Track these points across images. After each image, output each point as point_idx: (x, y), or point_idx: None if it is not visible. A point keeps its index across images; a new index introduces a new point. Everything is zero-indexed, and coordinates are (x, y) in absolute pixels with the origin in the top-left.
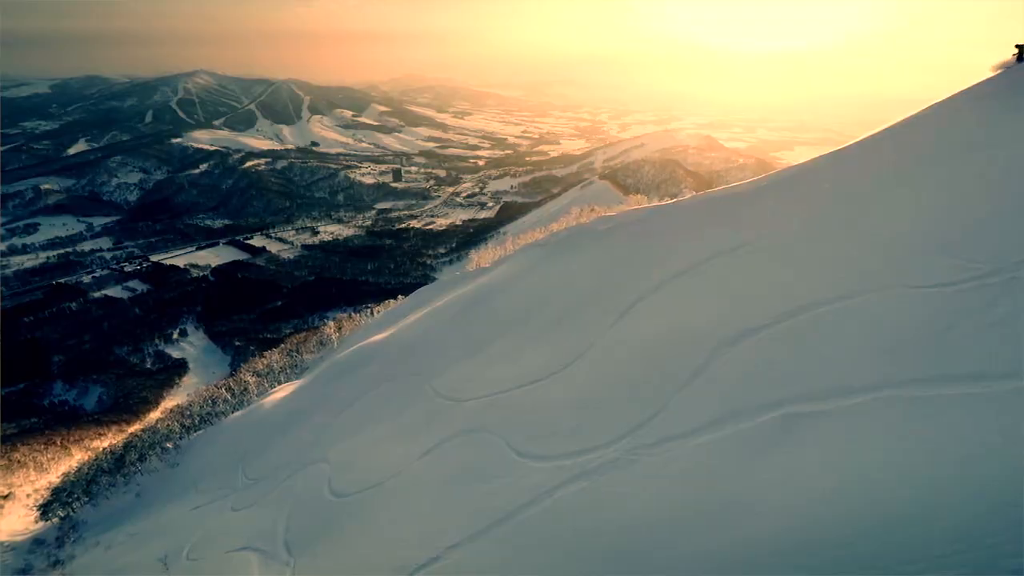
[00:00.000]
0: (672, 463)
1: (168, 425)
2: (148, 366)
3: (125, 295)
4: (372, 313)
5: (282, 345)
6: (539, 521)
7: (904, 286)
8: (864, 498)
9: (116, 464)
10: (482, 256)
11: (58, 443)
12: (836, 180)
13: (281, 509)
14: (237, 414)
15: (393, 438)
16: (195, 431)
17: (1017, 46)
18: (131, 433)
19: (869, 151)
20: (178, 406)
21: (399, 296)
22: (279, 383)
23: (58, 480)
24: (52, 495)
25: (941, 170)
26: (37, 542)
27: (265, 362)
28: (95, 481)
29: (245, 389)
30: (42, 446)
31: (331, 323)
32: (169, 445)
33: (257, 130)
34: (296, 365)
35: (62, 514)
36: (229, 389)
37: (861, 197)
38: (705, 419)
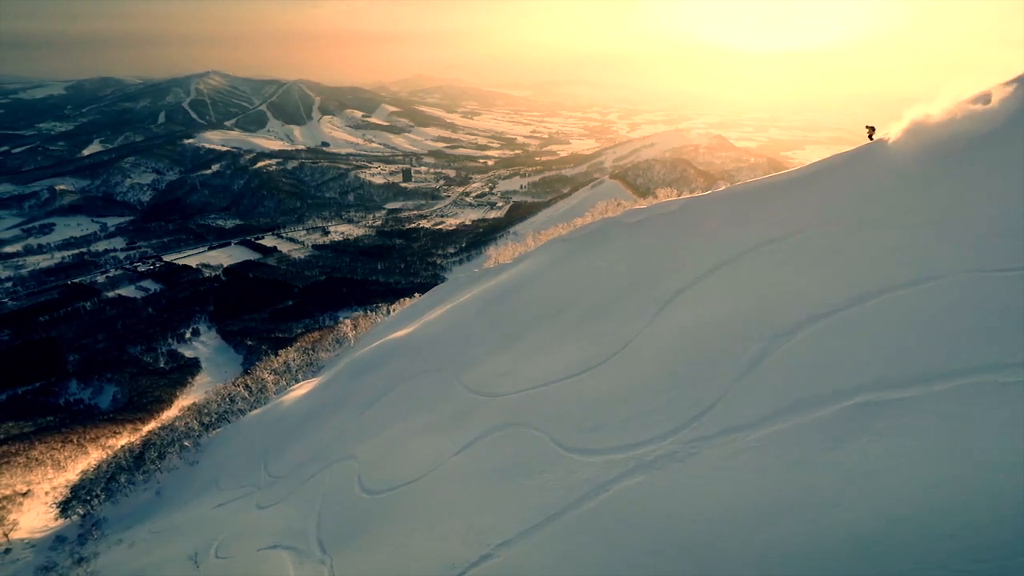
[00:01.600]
0: (738, 455)
1: (187, 423)
2: (161, 365)
3: (138, 295)
4: (388, 312)
5: (298, 343)
6: (597, 516)
7: (985, 270)
8: (961, 489)
9: (135, 462)
10: (500, 253)
11: (75, 441)
12: (885, 168)
13: (310, 507)
14: (256, 412)
15: (424, 434)
16: (213, 429)
17: (868, 127)
18: (149, 431)
19: (911, 144)
20: (195, 404)
21: (416, 294)
22: (296, 381)
23: (76, 478)
24: (71, 493)
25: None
26: (59, 539)
27: (281, 360)
28: (115, 479)
29: (263, 387)
30: (59, 444)
31: (348, 321)
32: (187, 443)
33: (268, 130)
34: (312, 363)
35: (82, 511)
36: (247, 387)
37: (917, 183)
38: (769, 409)
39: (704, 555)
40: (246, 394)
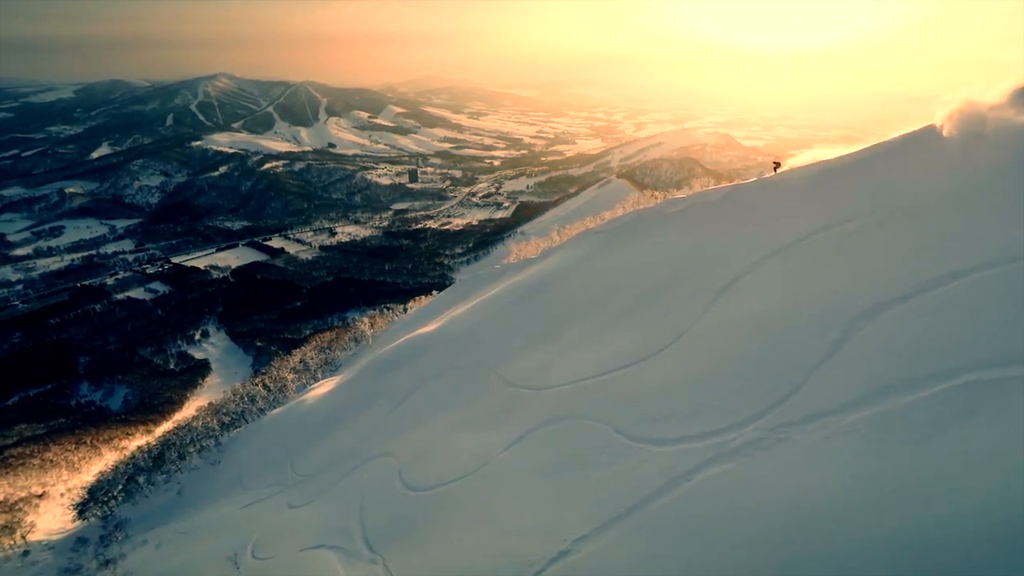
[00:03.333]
0: (831, 440)
1: (204, 423)
2: (172, 367)
3: (148, 296)
4: (404, 310)
5: (313, 342)
6: (681, 506)
7: None
8: None
9: (155, 462)
10: (522, 248)
11: (88, 443)
12: (946, 152)
13: (349, 505)
14: (277, 411)
15: (466, 429)
16: (233, 428)
17: (775, 163)
18: (166, 432)
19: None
20: (211, 404)
21: (435, 291)
22: (316, 380)
23: (93, 479)
24: (88, 494)
25: None
26: (80, 540)
27: (297, 358)
28: (133, 479)
29: (282, 386)
30: (72, 446)
31: (365, 319)
32: (208, 443)
33: (275, 132)
34: (331, 362)
35: (100, 513)
36: (265, 386)
37: (988, 166)
38: (861, 393)
39: (802, 544)
40: (265, 393)
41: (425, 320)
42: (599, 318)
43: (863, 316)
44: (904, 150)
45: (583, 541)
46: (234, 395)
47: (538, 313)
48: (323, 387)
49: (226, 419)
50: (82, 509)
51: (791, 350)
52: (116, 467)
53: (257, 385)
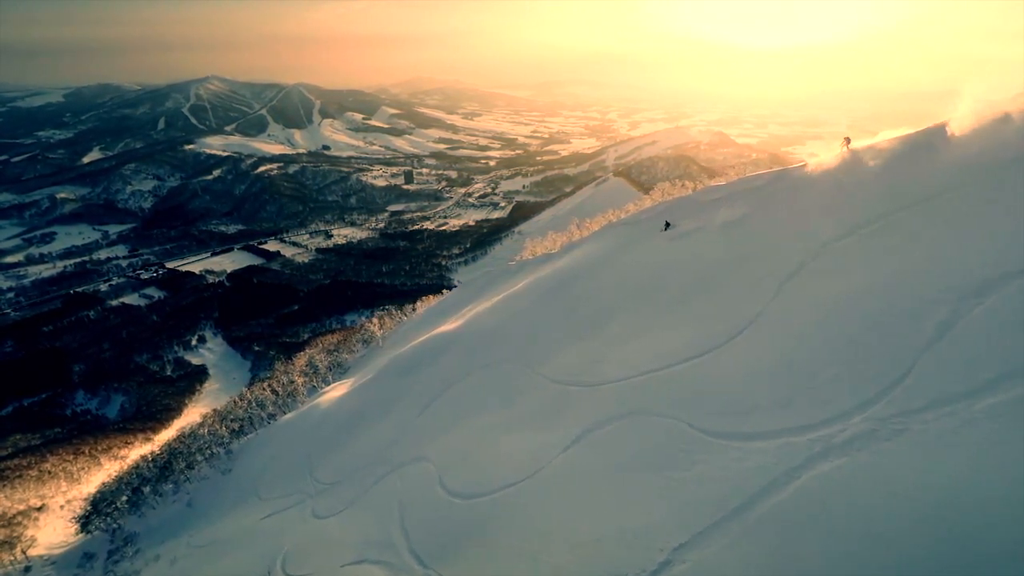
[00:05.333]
0: (966, 428)
1: (213, 429)
2: (168, 373)
3: (142, 302)
4: (413, 309)
5: (320, 344)
6: (794, 506)
7: None
8: None
9: (161, 472)
10: (536, 245)
11: (86, 452)
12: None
13: (387, 516)
14: (289, 416)
15: (509, 430)
16: (243, 435)
17: (667, 222)
18: (170, 440)
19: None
20: (216, 410)
21: (445, 291)
22: (327, 383)
23: (94, 490)
24: (92, 507)
25: None
26: (87, 555)
27: (304, 361)
28: (139, 490)
29: (293, 391)
30: (71, 456)
31: (375, 319)
32: (219, 450)
33: (269, 135)
34: (339, 364)
35: (104, 526)
36: (274, 391)
37: None
38: (987, 376)
39: (940, 544)
40: (273, 397)
41: (440, 319)
42: (646, 310)
43: (969, 295)
44: (978, 133)
45: (684, 549)
46: (241, 400)
47: (574, 307)
48: (336, 390)
49: (234, 425)
50: (85, 522)
51: (891, 333)
52: (119, 477)
53: (265, 389)
